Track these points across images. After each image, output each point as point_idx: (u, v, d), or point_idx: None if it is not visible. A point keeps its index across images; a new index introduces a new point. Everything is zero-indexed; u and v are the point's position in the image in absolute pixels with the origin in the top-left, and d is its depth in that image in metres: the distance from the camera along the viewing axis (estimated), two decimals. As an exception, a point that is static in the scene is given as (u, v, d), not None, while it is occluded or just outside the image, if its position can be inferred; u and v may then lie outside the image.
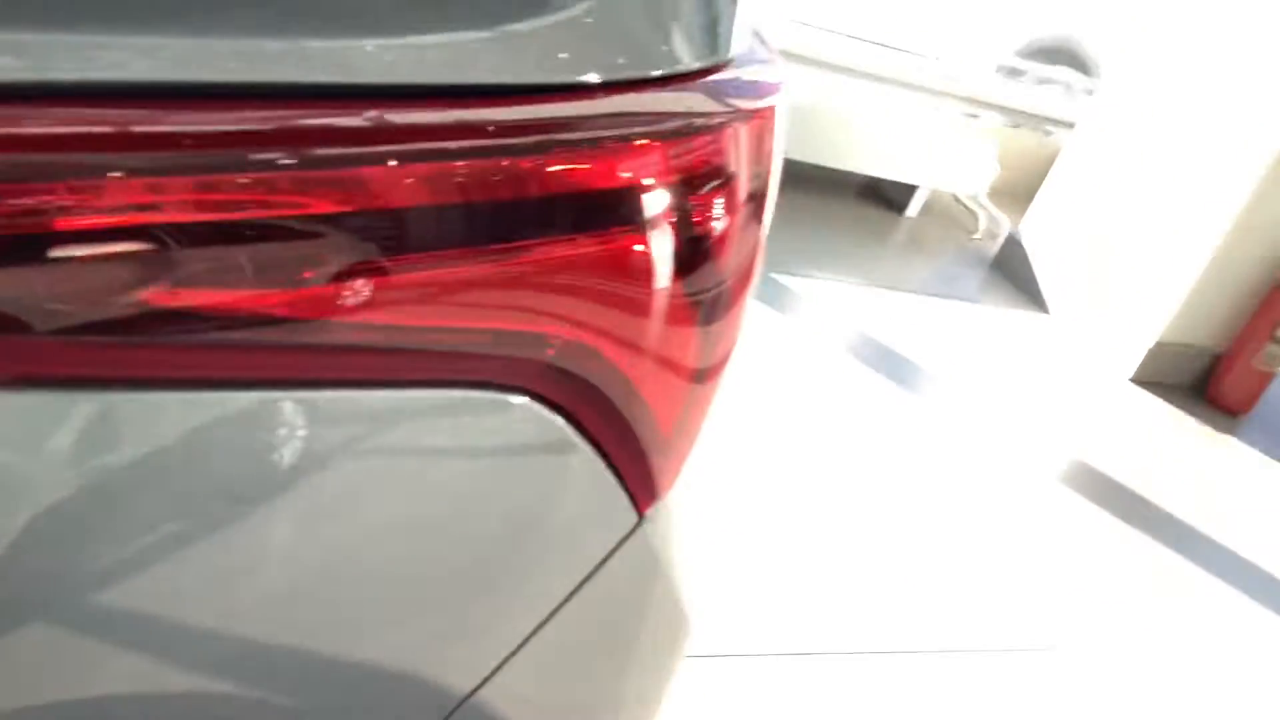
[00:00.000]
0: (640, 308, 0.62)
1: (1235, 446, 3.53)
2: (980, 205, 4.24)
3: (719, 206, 0.64)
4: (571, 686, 0.75)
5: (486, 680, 0.66)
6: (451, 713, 0.66)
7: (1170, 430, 3.46)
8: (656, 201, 0.61)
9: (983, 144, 4.10)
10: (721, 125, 0.65)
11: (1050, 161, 3.97)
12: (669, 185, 0.62)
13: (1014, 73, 6.22)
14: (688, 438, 0.71)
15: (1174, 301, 3.52)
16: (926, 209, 4.21)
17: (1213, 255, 3.45)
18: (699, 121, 0.64)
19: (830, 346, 3.13)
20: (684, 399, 0.68)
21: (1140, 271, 3.63)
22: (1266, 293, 3.59)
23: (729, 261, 0.67)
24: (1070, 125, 4.06)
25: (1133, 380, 3.62)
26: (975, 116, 4.44)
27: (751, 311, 0.78)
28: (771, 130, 0.70)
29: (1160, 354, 3.59)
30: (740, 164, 0.66)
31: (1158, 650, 2.46)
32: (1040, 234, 3.91)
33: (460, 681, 0.66)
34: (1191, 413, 3.60)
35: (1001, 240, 4.07)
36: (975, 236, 4.20)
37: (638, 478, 0.67)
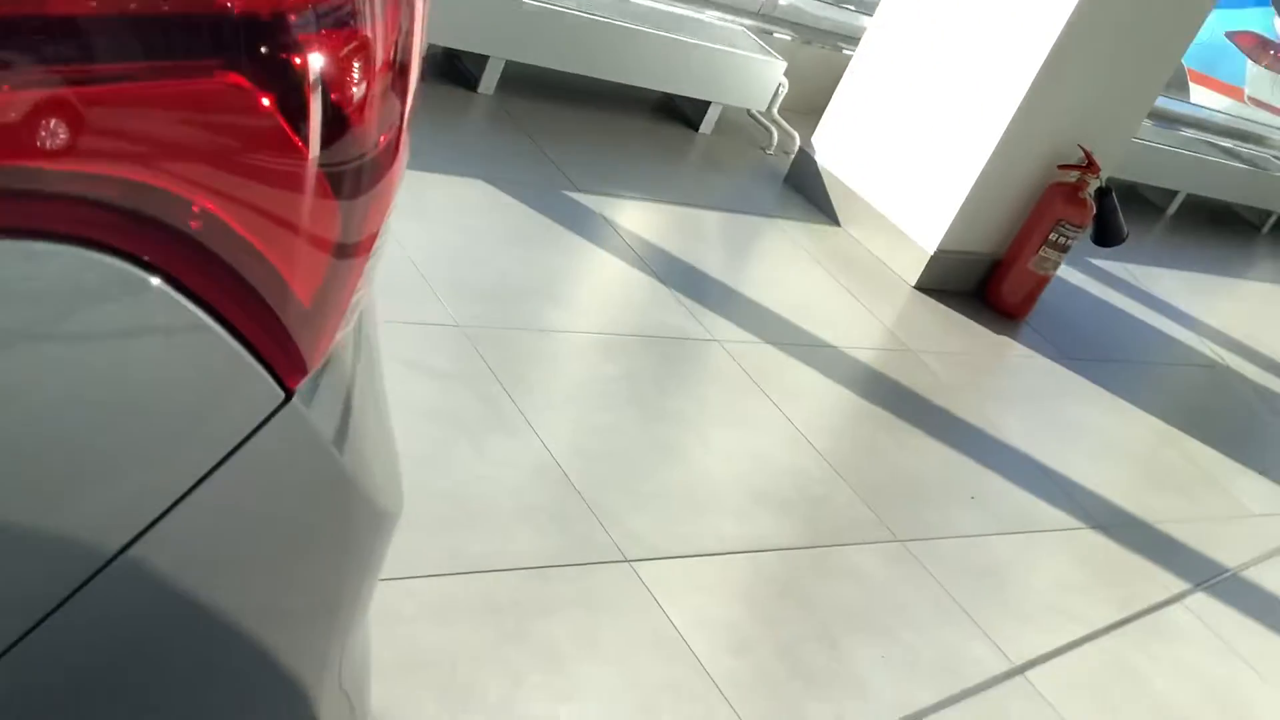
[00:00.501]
0: (263, 167, 0.58)
1: (1013, 347, 3.70)
2: (773, 121, 4.29)
3: (357, 61, 0.61)
4: (242, 572, 0.72)
5: (129, 546, 0.62)
6: (96, 574, 0.62)
7: (951, 334, 3.60)
8: (282, 38, 0.56)
9: (774, 60, 4.14)
10: None
11: (840, 77, 4.04)
12: (292, 21, 0.57)
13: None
14: (334, 310, 0.68)
15: (951, 210, 3.65)
16: (720, 125, 4.24)
17: (986, 165, 3.58)
18: None
19: (626, 263, 3.14)
20: (324, 271, 0.65)
21: (920, 181, 3.75)
22: (1038, 200, 3.75)
23: (369, 129, 0.64)
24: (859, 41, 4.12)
25: (916, 287, 3.75)
26: (767, 33, 4.48)
27: (400, 191, 0.76)
28: None
29: (941, 261, 3.73)
30: (369, 16, 0.62)
31: (944, 545, 2.58)
32: (830, 148, 3.99)
33: (96, 545, 0.62)
34: (972, 317, 3.76)
35: (794, 155, 4.14)
36: (769, 152, 4.26)
37: (276, 350, 0.64)
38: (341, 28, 0.59)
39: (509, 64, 3.68)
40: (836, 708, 2.04)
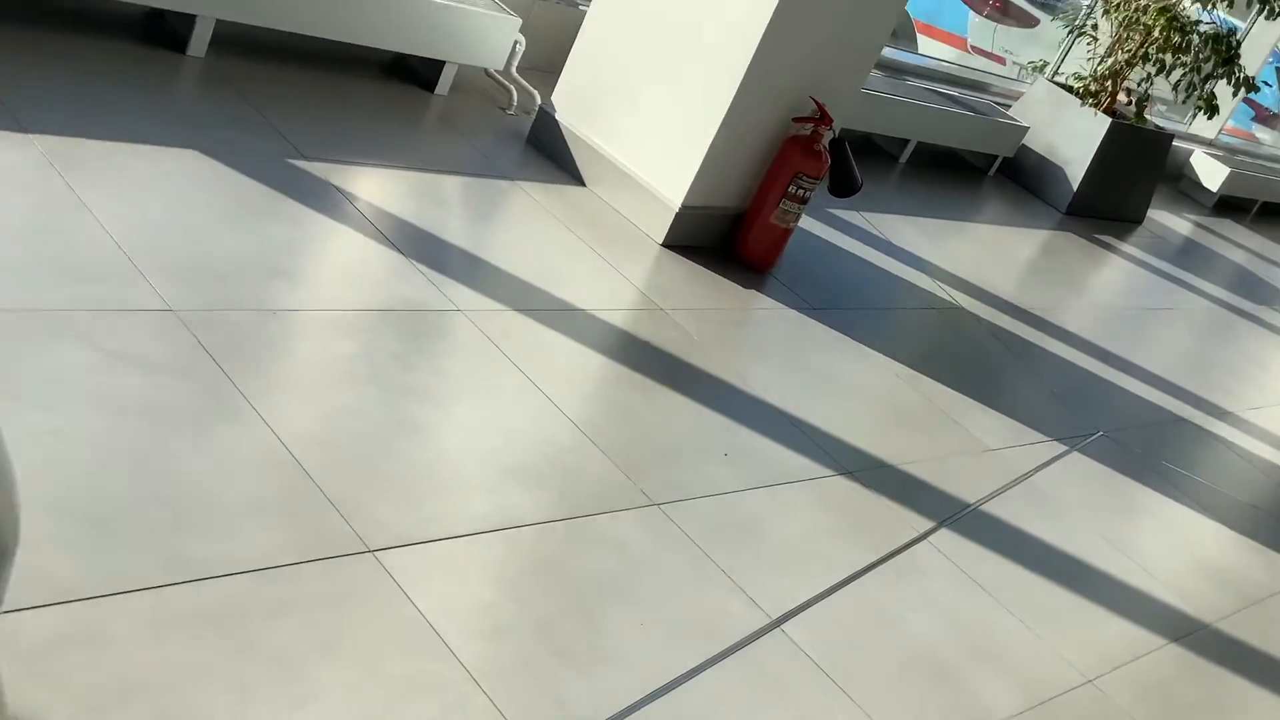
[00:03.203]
0: None
1: (760, 300, 3.74)
2: (511, 80, 4.18)
3: None
4: None
5: None
6: None
7: (700, 290, 3.60)
8: None
9: (509, 17, 4.02)
10: None
11: (576, 33, 3.96)
12: None
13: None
14: None
15: (693, 166, 3.64)
16: (457, 85, 4.10)
17: (724, 120, 3.57)
18: None
19: (362, 233, 2.98)
20: None
21: (661, 138, 3.72)
22: (776, 153, 3.79)
23: None
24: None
25: (664, 244, 3.73)
26: (501, -11, 4.35)
27: None
28: None
29: (687, 217, 3.72)
30: None
31: (700, 505, 2.56)
32: (571, 106, 3.91)
33: None
34: (720, 272, 3.77)
35: (534, 115, 4.04)
36: (509, 112, 4.15)
37: None
38: None
39: (220, 23, 3.42)
40: (596, 682, 1.98)
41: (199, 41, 3.39)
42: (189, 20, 3.36)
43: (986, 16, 8.62)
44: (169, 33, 3.41)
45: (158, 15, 3.41)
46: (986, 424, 3.59)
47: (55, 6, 3.24)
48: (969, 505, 3.09)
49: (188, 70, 3.37)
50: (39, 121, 2.74)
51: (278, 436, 2.17)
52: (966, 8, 8.53)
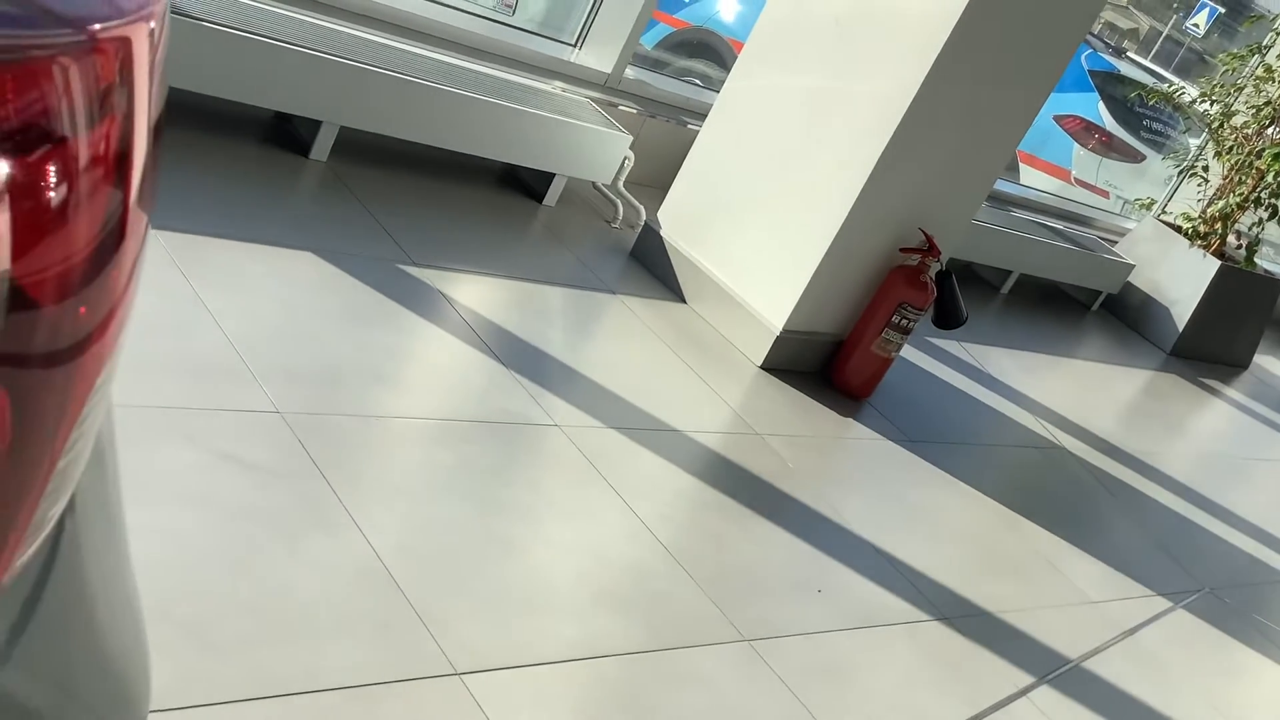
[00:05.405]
0: None
1: (857, 429, 3.67)
2: (618, 194, 4.22)
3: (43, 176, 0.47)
4: None
5: None
6: None
7: (796, 416, 3.55)
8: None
9: (619, 133, 4.08)
10: (41, 57, 0.46)
11: (686, 151, 4.00)
12: None
13: (656, 64, 6.30)
14: (23, 502, 0.52)
15: (797, 290, 3.62)
16: (565, 198, 4.15)
17: (830, 246, 3.56)
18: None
19: (464, 341, 2.99)
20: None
21: (765, 260, 3.71)
22: (881, 282, 3.75)
23: (51, 255, 0.49)
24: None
25: (762, 367, 3.69)
26: (612, 105, 4.42)
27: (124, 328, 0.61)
28: (134, 67, 0.52)
29: (787, 341, 3.69)
30: (69, 116, 0.48)
31: (791, 644, 2.49)
32: (675, 224, 3.93)
33: None
34: (817, 398, 3.72)
35: (639, 229, 4.07)
36: (614, 226, 4.18)
37: None
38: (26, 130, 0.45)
39: (344, 130, 3.51)
40: (679, 831, 1.90)
41: (322, 146, 3.48)
42: (314, 125, 3.45)
43: (1091, 150, 8.57)
44: (293, 136, 3.51)
45: (284, 119, 3.51)
46: (1088, 573, 3.46)
47: (183, 106, 3.35)
48: (1070, 661, 2.96)
49: (309, 174, 3.45)
50: (162, 218, 2.81)
51: (372, 547, 2.15)
52: (1072, 140, 8.50)
